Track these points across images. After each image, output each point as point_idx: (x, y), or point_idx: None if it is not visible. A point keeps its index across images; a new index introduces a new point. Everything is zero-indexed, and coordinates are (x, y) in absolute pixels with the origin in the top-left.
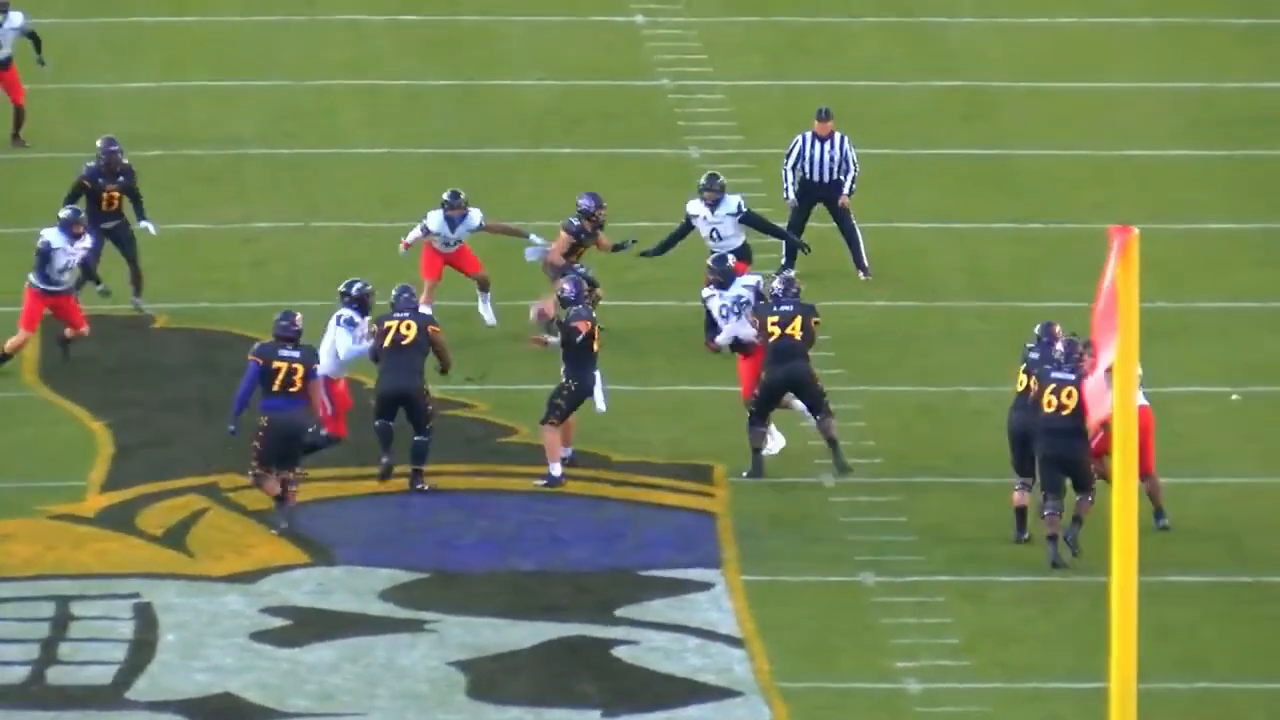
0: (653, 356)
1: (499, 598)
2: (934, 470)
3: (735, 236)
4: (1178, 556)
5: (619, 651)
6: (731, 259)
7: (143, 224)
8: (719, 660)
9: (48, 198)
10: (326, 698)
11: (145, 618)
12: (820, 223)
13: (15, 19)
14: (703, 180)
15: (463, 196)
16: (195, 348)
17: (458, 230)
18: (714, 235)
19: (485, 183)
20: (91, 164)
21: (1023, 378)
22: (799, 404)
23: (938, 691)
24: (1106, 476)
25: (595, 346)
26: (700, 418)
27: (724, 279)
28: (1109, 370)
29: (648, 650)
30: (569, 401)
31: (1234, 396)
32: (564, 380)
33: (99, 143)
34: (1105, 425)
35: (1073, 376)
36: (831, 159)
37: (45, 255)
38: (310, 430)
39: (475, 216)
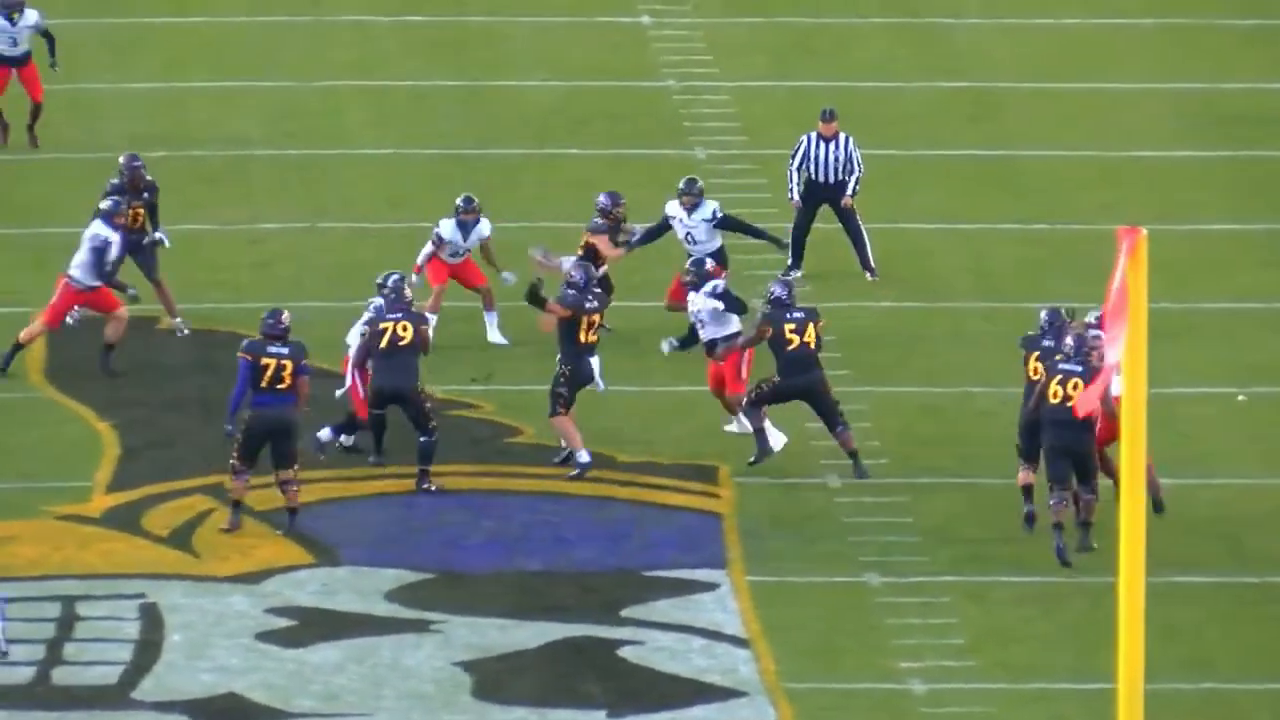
0: (655, 357)
1: (504, 598)
2: (939, 471)
3: (710, 241)
4: (1182, 557)
5: (624, 652)
6: (710, 262)
7: (156, 235)
8: (724, 661)
9: (48, 198)
10: (332, 698)
11: (151, 618)
12: (826, 224)
13: (31, 16)
14: (681, 184)
15: (476, 202)
16: (199, 349)
17: (469, 238)
18: (689, 239)
19: (490, 183)
20: (115, 181)
21: (1035, 365)
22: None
23: (943, 692)
24: (1109, 472)
25: (594, 336)
26: (704, 418)
27: (698, 281)
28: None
29: (653, 650)
30: (569, 387)
31: (1240, 397)
32: (560, 368)
33: (121, 159)
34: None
35: (1080, 369)
36: (836, 160)
37: (102, 250)
38: (328, 433)
39: (486, 225)
